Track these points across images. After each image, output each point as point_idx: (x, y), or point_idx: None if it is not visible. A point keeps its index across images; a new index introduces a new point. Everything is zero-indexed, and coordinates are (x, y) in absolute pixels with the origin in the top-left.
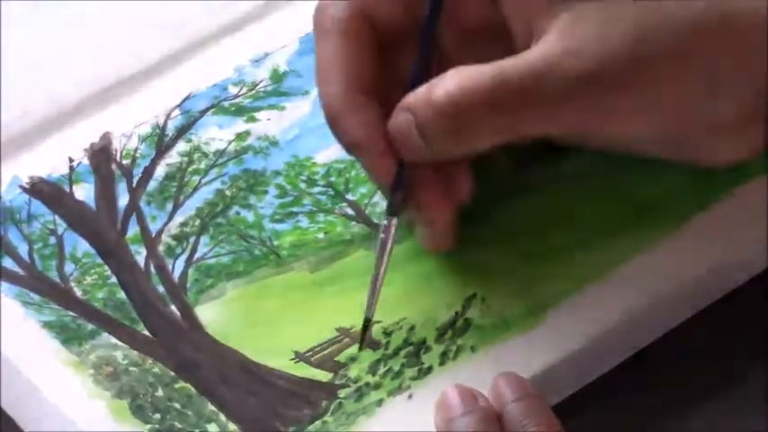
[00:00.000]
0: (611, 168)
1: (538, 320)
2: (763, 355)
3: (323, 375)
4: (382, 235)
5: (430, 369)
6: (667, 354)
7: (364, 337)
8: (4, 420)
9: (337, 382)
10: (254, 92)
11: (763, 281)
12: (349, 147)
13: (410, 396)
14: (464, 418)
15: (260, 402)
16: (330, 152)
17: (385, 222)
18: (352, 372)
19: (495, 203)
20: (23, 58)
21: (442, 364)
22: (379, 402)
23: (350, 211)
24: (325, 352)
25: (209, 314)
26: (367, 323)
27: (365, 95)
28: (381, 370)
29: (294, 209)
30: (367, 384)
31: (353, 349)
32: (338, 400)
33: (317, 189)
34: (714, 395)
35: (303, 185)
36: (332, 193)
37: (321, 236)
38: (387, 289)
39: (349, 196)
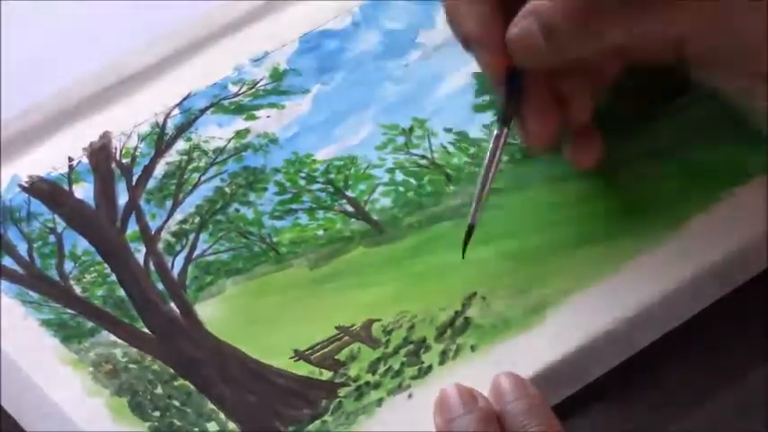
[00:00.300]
0: (612, 168)
1: (538, 320)
2: (763, 355)
3: (322, 374)
4: (492, 144)
5: (430, 368)
6: (667, 354)
7: (467, 244)
8: (4, 417)
9: (337, 381)
10: (253, 90)
11: (764, 281)
12: (465, 40)
13: (410, 395)
14: (464, 418)
15: (259, 401)
16: (329, 149)
17: (496, 132)
18: (352, 370)
19: (495, 201)
20: (23, 58)
21: (441, 363)
22: (379, 402)
23: (349, 208)
24: (325, 350)
25: (209, 311)
26: (470, 230)
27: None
28: (381, 369)
29: (293, 206)
30: (367, 383)
31: (353, 348)
32: (338, 399)
33: (316, 186)
34: (714, 395)
35: (302, 182)
36: (331, 190)
37: (320, 233)
38: (386, 287)
39: (348, 193)
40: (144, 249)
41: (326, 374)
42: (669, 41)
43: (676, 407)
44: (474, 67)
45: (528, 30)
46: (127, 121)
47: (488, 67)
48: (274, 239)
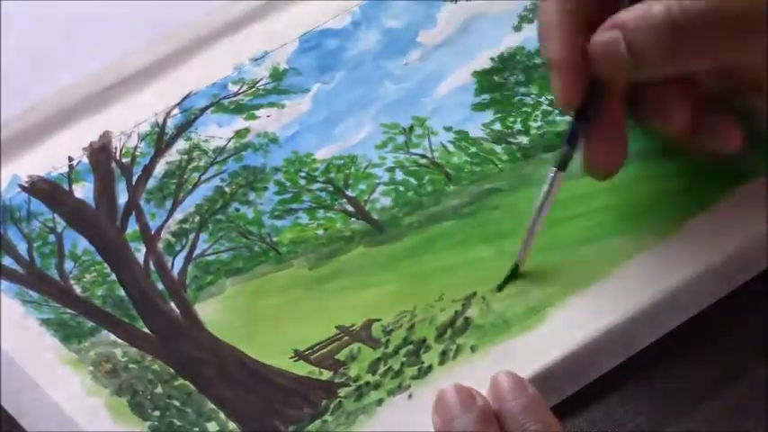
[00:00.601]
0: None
1: (538, 320)
2: (763, 355)
3: (323, 374)
4: (545, 187)
5: (430, 368)
6: (667, 354)
7: (507, 282)
8: (4, 417)
9: (337, 381)
10: (253, 90)
11: (763, 281)
12: (548, 63)
13: (410, 396)
14: (462, 417)
15: (260, 400)
16: (329, 149)
17: (552, 174)
18: (352, 371)
19: (495, 201)
20: (23, 58)
21: (441, 363)
22: (379, 402)
23: (349, 208)
24: (325, 350)
25: (209, 311)
26: (515, 269)
27: (573, 19)
28: (381, 369)
29: (294, 205)
30: (367, 383)
31: (353, 348)
32: (338, 399)
33: (316, 185)
34: (714, 395)
35: (303, 182)
36: (331, 189)
37: (321, 232)
38: (386, 287)
39: (349, 192)
40: (144, 249)
41: (326, 374)
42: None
43: (676, 407)
44: (474, 65)
45: (613, 42)
46: (127, 121)
47: (565, 90)
48: (274, 239)
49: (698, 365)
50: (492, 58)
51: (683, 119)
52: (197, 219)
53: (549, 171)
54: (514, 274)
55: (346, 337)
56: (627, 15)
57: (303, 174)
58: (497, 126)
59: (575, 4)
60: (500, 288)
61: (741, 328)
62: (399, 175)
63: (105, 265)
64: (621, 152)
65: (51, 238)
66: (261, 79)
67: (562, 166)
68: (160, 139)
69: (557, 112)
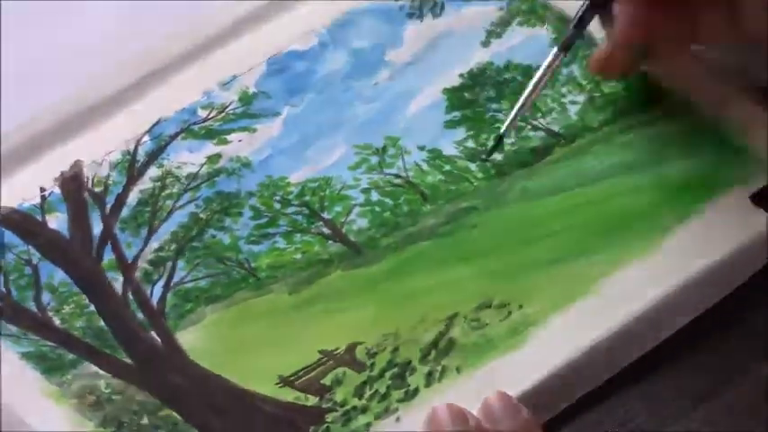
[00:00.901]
0: (587, 182)
1: (521, 339)
2: (763, 354)
3: (308, 399)
4: (544, 64)
5: (416, 391)
6: (667, 354)
7: (492, 152)
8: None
9: (324, 406)
10: (223, 114)
11: (763, 281)
12: None
13: (398, 419)
14: None
15: (247, 428)
16: (303, 172)
17: (553, 54)
18: (339, 395)
19: (471, 219)
20: None
21: (428, 385)
22: (367, 426)
23: (326, 231)
24: (310, 375)
25: (190, 339)
26: (498, 140)
27: None
28: (368, 393)
29: (270, 230)
30: (354, 408)
31: (338, 372)
32: (326, 425)
33: (291, 209)
34: (714, 395)
35: (278, 206)
36: (307, 212)
37: (299, 256)
38: (367, 309)
39: (325, 215)
40: (121, 278)
41: (312, 400)
42: None
43: (676, 407)
44: (444, 82)
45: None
46: (97, 150)
47: None
48: (253, 264)
49: (698, 365)
50: (461, 75)
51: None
52: (173, 246)
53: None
54: (500, 145)
55: (330, 362)
56: None
57: (278, 198)
58: (470, 143)
59: None
60: (486, 158)
61: (741, 328)
62: (375, 196)
63: (83, 295)
64: (646, 23)
65: (27, 270)
66: (230, 103)
67: (565, 48)
68: (132, 167)
69: (529, 128)
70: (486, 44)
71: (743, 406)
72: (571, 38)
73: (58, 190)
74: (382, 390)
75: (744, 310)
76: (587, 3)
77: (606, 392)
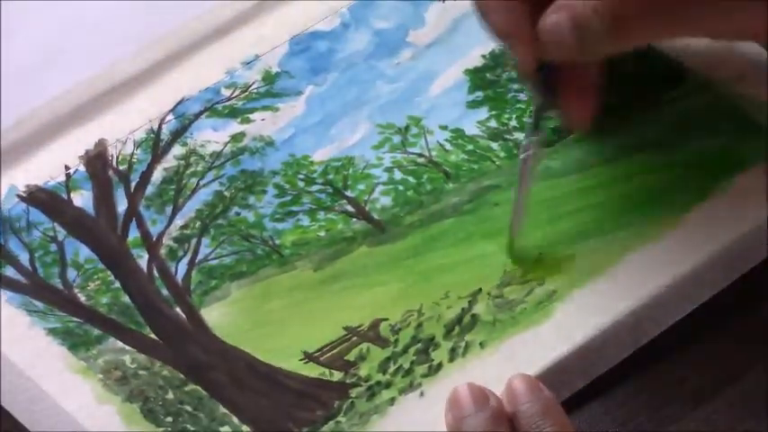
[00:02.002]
0: (611, 160)
1: (545, 314)
2: (763, 355)
3: (333, 375)
4: (522, 155)
5: (440, 366)
6: (667, 353)
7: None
8: (5, 416)
9: (348, 382)
10: (246, 94)
11: (763, 281)
12: (496, 34)
13: (422, 393)
14: (475, 416)
15: (272, 404)
16: (326, 150)
17: (523, 154)
18: (363, 371)
19: (494, 197)
20: (16, 68)
21: (451, 360)
22: (391, 401)
23: (350, 209)
24: (335, 351)
25: (215, 315)
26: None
27: None
28: (392, 368)
29: (294, 208)
30: (378, 383)
31: (362, 347)
32: (350, 400)
33: (315, 187)
34: (714, 395)
35: (301, 184)
36: (331, 190)
37: (323, 234)
38: (391, 286)
39: (348, 193)
40: (146, 255)
41: (337, 375)
42: None
43: (676, 407)
44: (466, 63)
45: (559, 25)
46: (121, 128)
47: (519, 56)
48: (277, 242)
49: (698, 365)
50: (483, 56)
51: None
52: (198, 224)
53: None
54: (515, 253)
55: (355, 338)
56: None
57: (301, 176)
58: (493, 123)
59: None
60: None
61: (741, 328)
62: (398, 175)
63: (108, 272)
64: (594, 102)
65: (53, 247)
66: (253, 83)
67: (533, 134)
68: (156, 146)
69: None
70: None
71: (743, 406)
72: (531, 141)
73: (82, 168)
74: (406, 365)
75: (744, 309)
76: (537, 109)
77: (606, 392)
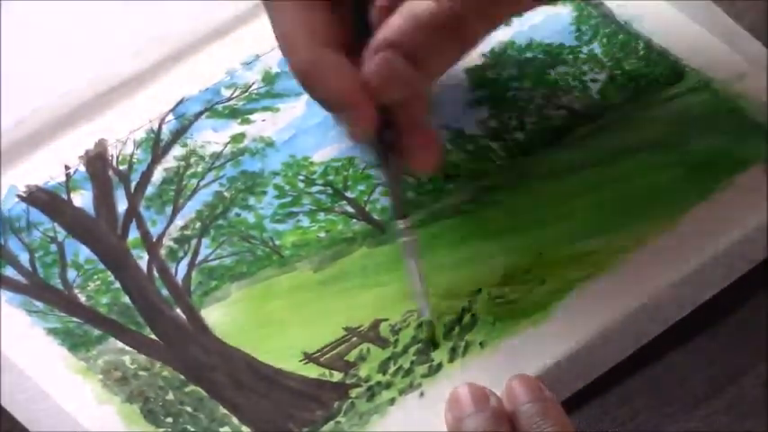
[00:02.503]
0: (609, 160)
1: (545, 315)
2: (763, 355)
3: (333, 375)
4: (401, 240)
5: (440, 366)
6: (667, 353)
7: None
8: (5, 416)
9: (348, 382)
10: (246, 94)
11: (763, 280)
12: (331, 105)
13: (422, 394)
14: (475, 416)
15: (272, 404)
16: (327, 151)
17: (400, 225)
18: (363, 371)
19: (495, 197)
20: (16, 68)
21: (451, 360)
22: (391, 401)
23: (350, 209)
24: (334, 352)
25: (215, 316)
26: (429, 325)
27: (334, 52)
28: (392, 368)
29: (294, 209)
30: (378, 383)
31: (362, 348)
32: (350, 401)
33: (315, 188)
34: (714, 395)
35: (302, 185)
36: (331, 191)
37: (323, 234)
38: (391, 287)
39: (348, 194)
40: (146, 256)
41: (337, 376)
42: None
43: (676, 407)
44: (465, 62)
45: (390, 62)
46: (121, 128)
47: (358, 122)
48: (277, 243)
49: (698, 365)
50: (483, 54)
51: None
52: (198, 225)
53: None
54: (432, 337)
55: (354, 338)
56: (389, 32)
57: (302, 177)
58: (493, 123)
59: (320, 29)
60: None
61: (741, 328)
62: None
63: (108, 273)
64: (436, 140)
65: (53, 247)
66: (253, 83)
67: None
68: (156, 146)
69: (551, 106)
70: (507, 23)
71: (743, 406)
72: (401, 228)
73: (82, 168)
74: (406, 365)
75: (744, 309)
76: (392, 183)
77: (606, 392)
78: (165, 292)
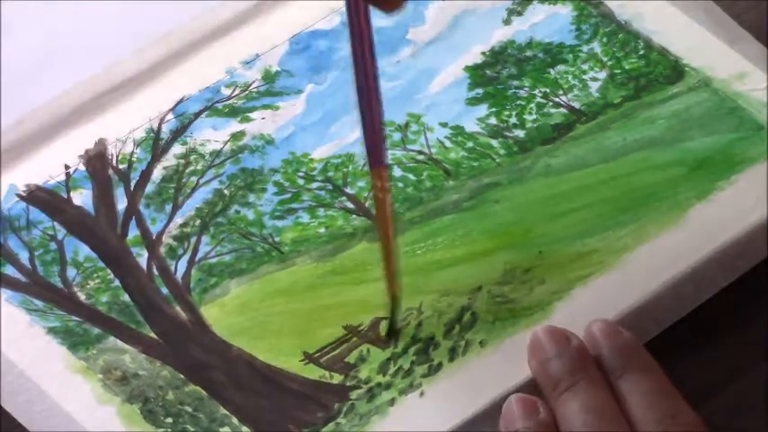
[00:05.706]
0: (611, 159)
1: (545, 314)
2: (763, 355)
3: (333, 377)
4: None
5: (440, 366)
6: (667, 354)
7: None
8: (5, 417)
9: (348, 384)
10: (246, 93)
11: (763, 280)
12: None
13: (422, 393)
14: (559, 358)
15: (272, 405)
16: (326, 148)
17: None
18: (363, 372)
19: (494, 195)
20: (16, 68)
21: (451, 360)
22: (392, 401)
23: (350, 205)
24: (335, 353)
25: (215, 312)
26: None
27: None
28: (392, 369)
29: (294, 205)
30: (378, 384)
31: (362, 349)
32: (350, 402)
33: (315, 185)
34: (714, 395)
35: (301, 182)
36: (330, 187)
37: (322, 230)
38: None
39: (348, 190)
40: (146, 254)
41: (337, 378)
42: None
43: None
44: (466, 60)
45: None
46: (121, 127)
47: None
48: (277, 239)
49: (698, 365)
50: (483, 53)
51: None
52: (198, 222)
53: None
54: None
55: (354, 338)
56: None
57: (301, 174)
58: (492, 120)
59: None
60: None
61: (741, 328)
62: (398, 172)
63: (108, 271)
64: None
65: (52, 246)
66: (253, 82)
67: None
68: (156, 145)
69: (551, 105)
70: (507, 22)
71: (743, 406)
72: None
73: (82, 167)
74: (406, 366)
75: (744, 309)
76: None
77: None
78: (164, 289)
